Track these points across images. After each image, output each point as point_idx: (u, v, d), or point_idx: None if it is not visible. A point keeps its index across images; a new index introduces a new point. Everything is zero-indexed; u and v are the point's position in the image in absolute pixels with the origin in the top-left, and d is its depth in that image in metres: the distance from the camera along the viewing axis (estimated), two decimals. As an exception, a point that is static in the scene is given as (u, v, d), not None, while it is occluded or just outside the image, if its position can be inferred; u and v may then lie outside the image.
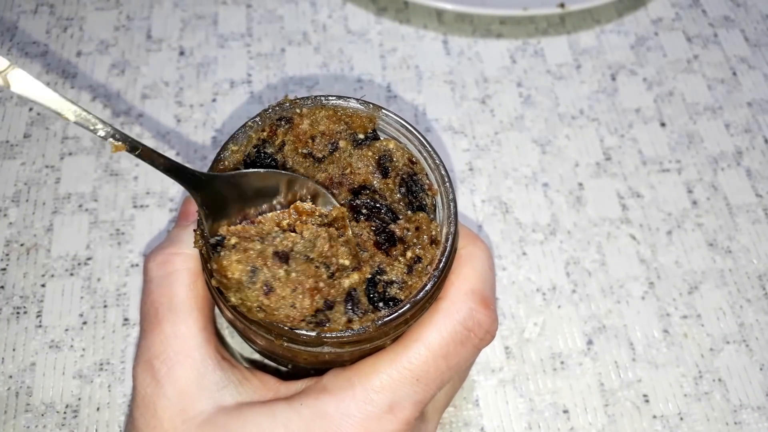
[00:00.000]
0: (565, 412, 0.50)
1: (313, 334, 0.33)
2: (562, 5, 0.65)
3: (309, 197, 0.36)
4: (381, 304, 0.34)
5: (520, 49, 0.67)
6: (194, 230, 0.35)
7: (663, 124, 0.63)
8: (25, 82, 0.29)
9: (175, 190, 0.57)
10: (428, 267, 0.35)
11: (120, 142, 0.31)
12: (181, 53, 0.64)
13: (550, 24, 0.68)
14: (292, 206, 0.35)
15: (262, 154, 0.37)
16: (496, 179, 0.59)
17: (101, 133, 0.31)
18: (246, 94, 0.62)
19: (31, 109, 0.60)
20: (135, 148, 0.32)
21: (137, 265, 0.54)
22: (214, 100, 0.62)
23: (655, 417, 0.50)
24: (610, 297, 0.55)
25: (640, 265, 0.56)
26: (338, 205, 0.35)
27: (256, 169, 0.35)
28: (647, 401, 0.51)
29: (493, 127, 0.62)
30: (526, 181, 0.59)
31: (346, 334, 0.33)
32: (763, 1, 0.72)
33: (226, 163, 0.36)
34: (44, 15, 0.66)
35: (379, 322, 0.33)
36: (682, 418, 0.50)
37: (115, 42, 0.65)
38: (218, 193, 0.34)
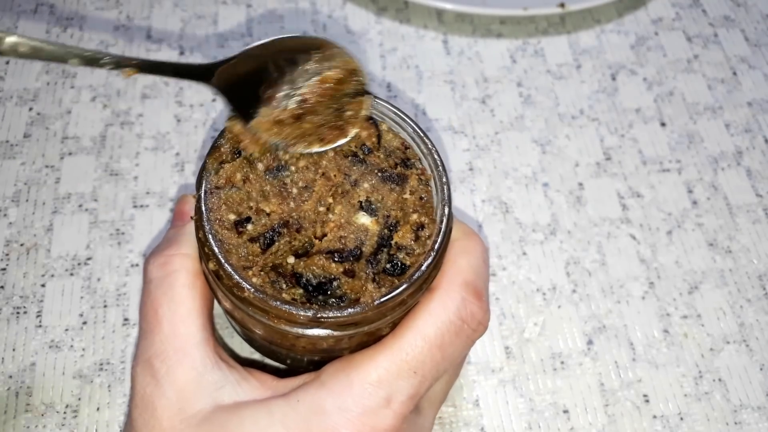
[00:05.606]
0: (565, 412, 0.50)
1: (310, 313, 0.33)
2: (562, 5, 0.65)
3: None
4: (389, 266, 0.35)
5: (520, 49, 0.67)
6: (192, 217, 0.37)
7: (663, 124, 0.63)
8: (21, 42, 0.32)
9: (176, 189, 0.57)
10: (428, 241, 0.36)
11: (129, 69, 0.35)
12: (181, 53, 0.64)
13: (550, 24, 0.68)
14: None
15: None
16: (496, 179, 0.59)
17: (108, 65, 0.34)
18: (246, 94, 0.62)
19: (30, 109, 0.60)
20: (139, 66, 0.35)
21: (137, 265, 0.54)
22: (214, 100, 0.62)
23: (655, 417, 0.50)
24: (610, 297, 0.55)
25: (640, 265, 0.56)
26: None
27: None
28: (647, 401, 0.51)
29: (493, 126, 0.62)
30: (526, 181, 0.59)
31: (342, 313, 0.33)
32: (763, 1, 0.72)
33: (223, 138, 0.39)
34: (44, 15, 0.66)
35: (376, 302, 0.33)
36: (682, 418, 0.50)
37: (115, 42, 0.65)
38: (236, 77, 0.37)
